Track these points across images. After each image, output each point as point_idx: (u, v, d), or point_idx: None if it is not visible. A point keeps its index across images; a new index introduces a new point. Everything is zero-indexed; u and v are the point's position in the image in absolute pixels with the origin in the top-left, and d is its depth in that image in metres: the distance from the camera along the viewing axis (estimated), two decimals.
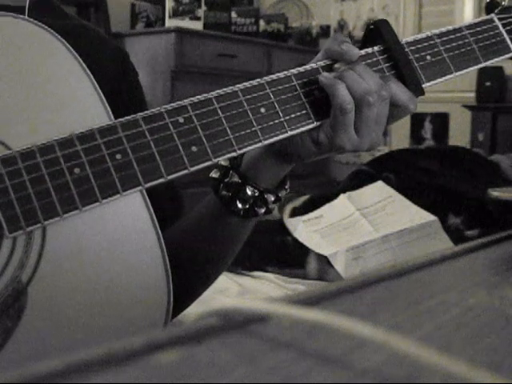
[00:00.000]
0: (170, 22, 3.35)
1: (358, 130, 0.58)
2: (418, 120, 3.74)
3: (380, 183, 1.52)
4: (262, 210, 0.64)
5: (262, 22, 3.82)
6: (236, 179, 0.63)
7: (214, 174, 0.65)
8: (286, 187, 0.66)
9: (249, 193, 0.63)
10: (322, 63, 0.61)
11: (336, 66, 0.60)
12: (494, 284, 0.39)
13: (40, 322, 0.50)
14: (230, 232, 0.68)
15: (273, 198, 0.64)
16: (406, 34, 3.77)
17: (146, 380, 0.23)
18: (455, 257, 0.45)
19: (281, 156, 0.63)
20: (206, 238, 0.69)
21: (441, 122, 3.74)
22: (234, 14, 3.67)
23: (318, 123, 0.59)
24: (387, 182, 1.52)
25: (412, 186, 1.52)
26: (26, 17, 0.54)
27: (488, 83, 3.25)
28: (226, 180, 0.64)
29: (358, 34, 3.97)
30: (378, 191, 1.50)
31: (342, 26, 4.10)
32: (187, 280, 0.69)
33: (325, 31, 4.09)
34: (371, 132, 0.59)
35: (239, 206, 0.63)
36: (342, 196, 1.49)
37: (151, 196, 0.54)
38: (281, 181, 0.66)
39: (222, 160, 0.58)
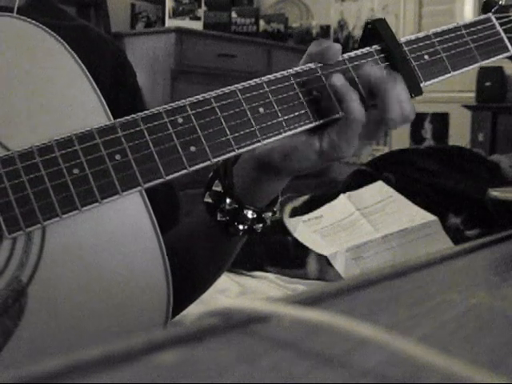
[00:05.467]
0: (169, 22, 3.35)
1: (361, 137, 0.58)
2: (418, 120, 3.74)
3: (380, 183, 1.52)
4: (260, 226, 0.64)
5: (261, 22, 3.82)
6: (234, 205, 0.63)
7: (208, 199, 0.64)
8: (279, 199, 0.66)
9: (248, 216, 0.63)
10: (314, 65, 0.60)
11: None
12: (494, 284, 0.39)
13: (40, 322, 0.49)
14: (228, 248, 0.68)
15: (270, 215, 0.65)
16: (406, 34, 3.74)
17: (146, 380, 0.23)
18: (455, 257, 0.44)
19: (279, 173, 0.62)
20: (203, 256, 0.69)
21: (441, 121, 3.73)
22: (234, 14, 3.67)
23: (317, 123, 0.58)
24: (387, 182, 1.52)
25: (412, 186, 1.52)
26: (23, 16, 0.54)
27: (488, 83, 3.24)
28: (221, 206, 0.63)
29: (358, 33, 3.97)
30: (378, 191, 1.50)
31: (341, 26, 4.10)
32: (185, 282, 0.69)
33: (325, 31, 4.09)
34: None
35: (240, 227, 0.63)
36: (341, 196, 1.50)
37: (150, 199, 0.54)
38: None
39: (214, 185, 0.60)
